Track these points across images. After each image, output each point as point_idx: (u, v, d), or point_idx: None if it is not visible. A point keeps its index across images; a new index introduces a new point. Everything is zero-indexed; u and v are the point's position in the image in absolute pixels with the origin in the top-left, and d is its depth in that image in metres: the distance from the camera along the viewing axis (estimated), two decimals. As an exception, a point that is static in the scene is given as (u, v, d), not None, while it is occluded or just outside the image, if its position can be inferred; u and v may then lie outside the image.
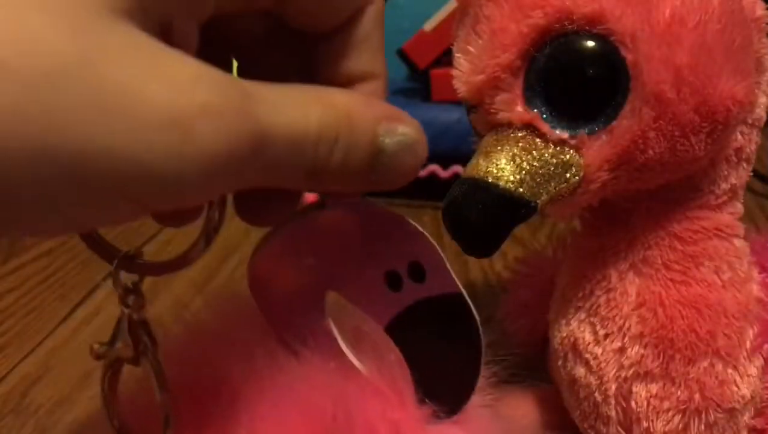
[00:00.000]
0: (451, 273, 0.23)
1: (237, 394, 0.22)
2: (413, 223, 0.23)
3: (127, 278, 0.22)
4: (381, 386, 0.23)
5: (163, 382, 0.21)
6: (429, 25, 0.57)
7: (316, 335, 0.23)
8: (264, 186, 0.18)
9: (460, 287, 0.23)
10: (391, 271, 0.23)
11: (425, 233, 0.23)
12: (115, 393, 0.23)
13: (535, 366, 0.35)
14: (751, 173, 0.28)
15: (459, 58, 0.25)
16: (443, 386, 0.24)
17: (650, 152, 0.23)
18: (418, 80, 0.60)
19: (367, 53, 0.22)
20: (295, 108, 0.18)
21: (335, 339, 0.23)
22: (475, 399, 0.24)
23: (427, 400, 0.23)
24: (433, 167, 0.57)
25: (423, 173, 0.57)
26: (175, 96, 0.15)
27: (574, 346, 0.28)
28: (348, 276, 0.23)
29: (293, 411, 0.22)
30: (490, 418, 0.25)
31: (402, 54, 0.58)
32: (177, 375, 0.22)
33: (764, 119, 0.27)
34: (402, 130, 0.20)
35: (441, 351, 0.24)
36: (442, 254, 0.23)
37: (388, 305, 0.23)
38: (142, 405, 0.23)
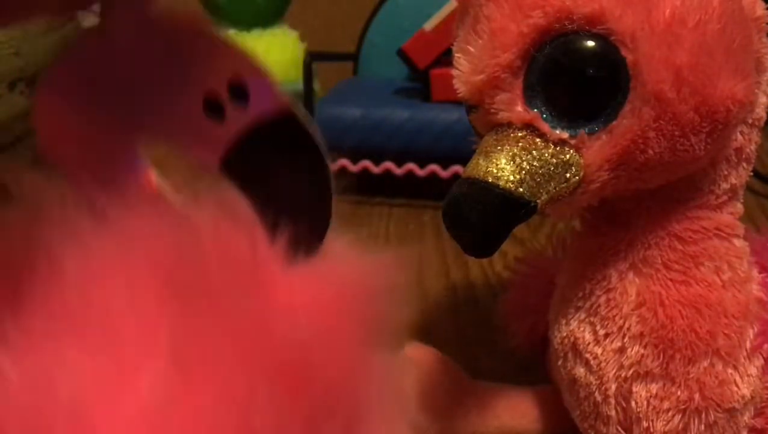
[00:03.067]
0: (277, 86, 0.20)
1: (60, 267, 0.18)
2: (221, 33, 0.20)
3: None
4: (225, 227, 0.19)
5: None
6: (429, 25, 0.57)
7: (129, 185, 0.20)
8: None
9: (289, 100, 0.20)
10: (209, 96, 0.20)
11: (237, 43, 0.20)
12: None
13: (535, 366, 0.35)
14: (751, 173, 0.28)
15: (459, 58, 0.25)
16: (296, 221, 0.21)
17: (650, 151, 0.23)
18: (418, 80, 0.60)
19: None
20: None
21: (157, 188, 0.20)
22: (337, 236, 0.21)
23: (281, 239, 0.20)
24: (433, 167, 0.57)
25: (423, 172, 0.57)
26: None
27: (574, 346, 0.28)
28: (159, 110, 0.20)
29: (126, 268, 0.18)
30: (354, 256, 0.22)
31: (402, 54, 0.58)
32: None
33: (764, 118, 0.27)
34: None
35: (285, 182, 0.21)
36: (263, 66, 0.20)
37: (215, 138, 0.20)
38: None
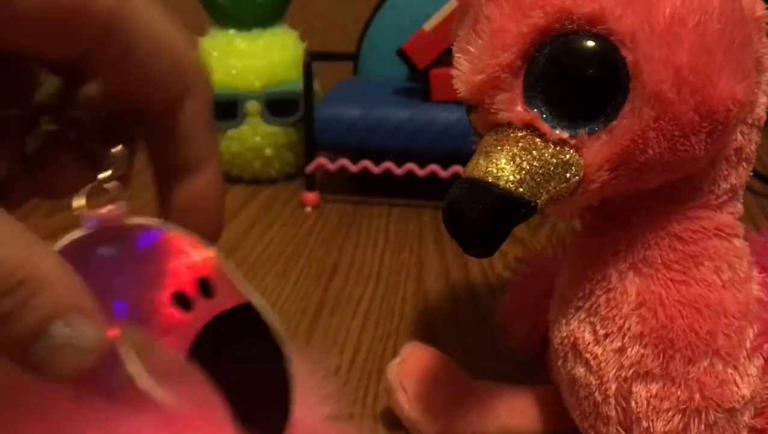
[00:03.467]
0: (241, 283, 0.22)
1: None
2: (189, 235, 0.22)
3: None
4: (191, 418, 0.21)
5: None
6: (429, 25, 0.57)
7: (106, 374, 0.21)
8: None
9: (253, 296, 0.22)
10: (178, 291, 0.22)
11: (206, 243, 0.22)
12: None
13: (535, 366, 0.35)
14: (751, 173, 0.28)
15: (459, 58, 0.25)
16: (260, 407, 0.23)
17: (650, 151, 0.23)
18: (418, 80, 0.60)
19: (194, 143, 0.22)
20: None
21: (130, 376, 0.22)
22: (305, 419, 0.23)
23: (246, 425, 0.22)
24: (433, 167, 0.57)
25: (423, 172, 0.57)
26: None
27: (574, 346, 0.28)
28: (132, 305, 0.22)
29: None
30: None
31: (402, 54, 0.58)
32: None
33: (764, 118, 0.27)
34: (81, 328, 0.19)
35: (249, 370, 0.23)
36: (227, 263, 0.22)
37: (183, 329, 0.22)
38: None
